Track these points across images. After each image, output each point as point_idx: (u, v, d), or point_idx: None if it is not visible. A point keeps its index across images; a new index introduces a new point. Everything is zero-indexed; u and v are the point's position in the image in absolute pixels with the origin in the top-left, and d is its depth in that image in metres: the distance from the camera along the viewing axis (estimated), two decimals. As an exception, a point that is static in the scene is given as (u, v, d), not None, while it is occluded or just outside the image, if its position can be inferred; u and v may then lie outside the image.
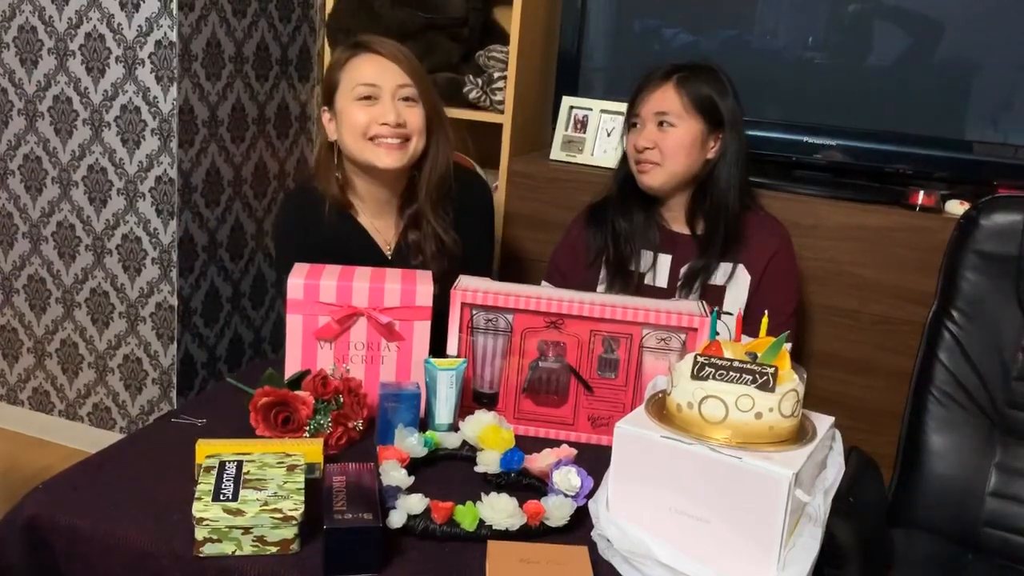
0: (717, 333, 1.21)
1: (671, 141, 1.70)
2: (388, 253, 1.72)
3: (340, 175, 1.70)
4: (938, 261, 1.59)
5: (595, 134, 2.33)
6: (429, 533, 1.11)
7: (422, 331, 1.40)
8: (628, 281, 1.76)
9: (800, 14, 2.22)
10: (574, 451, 1.26)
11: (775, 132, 2.20)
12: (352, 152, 1.64)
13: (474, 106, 2.45)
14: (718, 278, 1.73)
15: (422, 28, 2.43)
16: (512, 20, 2.34)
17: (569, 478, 1.18)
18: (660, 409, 1.14)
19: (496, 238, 2.35)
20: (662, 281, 1.77)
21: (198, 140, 2.35)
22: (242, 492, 1.07)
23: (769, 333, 1.15)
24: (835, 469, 1.18)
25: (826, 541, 1.09)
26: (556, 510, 1.14)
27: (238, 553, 1.06)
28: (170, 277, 2.38)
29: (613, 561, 1.09)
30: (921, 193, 2.04)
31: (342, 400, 1.32)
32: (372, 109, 1.61)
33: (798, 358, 1.35)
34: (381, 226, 1.73)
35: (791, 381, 1.09)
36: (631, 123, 1.77)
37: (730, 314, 1.70)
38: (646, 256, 1.77)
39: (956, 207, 2.02)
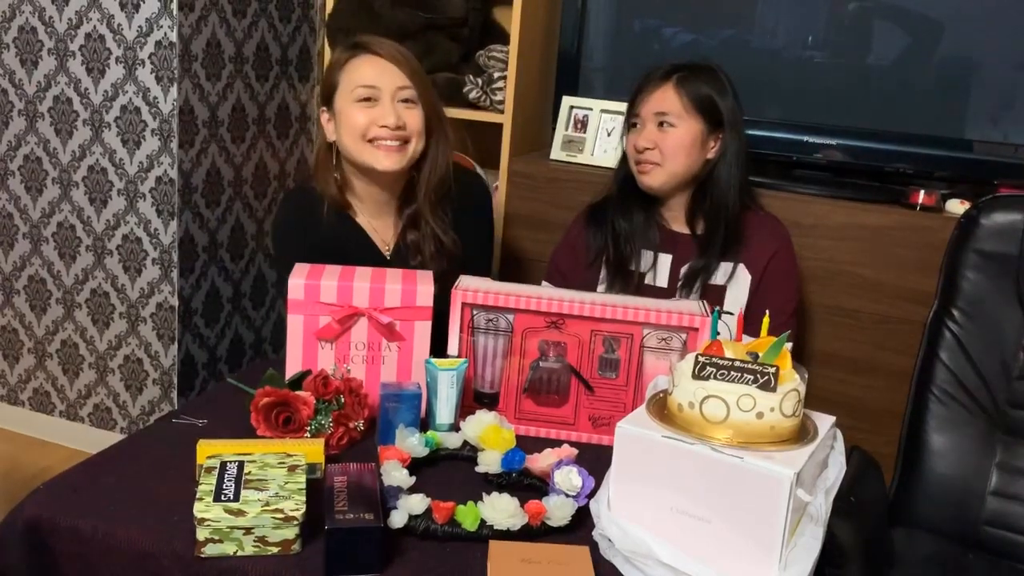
0: (718, 333, 1.21)
1: (671, 141, 1.70)
2: (387, 253, 1.72)
3: (339, 175, 1.70)
4: (938, 260, 1.59)
5: (595, 134, 2.33)
6: (430, 533, 1.11)
7: (423, 331, 1.40)
8: (628, 281, 1.76)
9: (800, 13, 2.22)
10: (575, 451, 1.26)
11: (775, 132, 2.20)
12: (351, 154, 1.64)
13: (474, 106, 2.45)
14: (718, 278, 1.73)
15: (422, 28, 2.43)
16: (512, 20, 2.34)
17: (570, 478, 1.18)
18: (661, 409, 1.14)
19: (496, 238, 2.35)
20: (662, 281, 1.77)
21: (198, 140, 2.35)
22: (243, 492, 1.07)
23: (770, 333, 1.15)
24: (836, 469, 1.18)
25: (827, 541, 1.10)
26: (557, 510, 1.14)
27: (239, 554, 1.06)
28: (171, 277, 2.38)
29: (615, 561, 1.09)
30: (921, 192, 2.04)
31: (343, 400, 1.32)
32: (371, 111, 1.61)
33: (799, 358, 1.35)
34: (380, 226, 1.73)
35: (792, 381, 1.09)
36: (631, 123, 1.77)
37: (731, 314, 1.70)
38: (646, 256, 1.77)
39: (956, 206, 2.02)
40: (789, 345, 1.14)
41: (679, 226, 1.78)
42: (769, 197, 1.95)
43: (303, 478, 1.12)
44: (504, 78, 2.39)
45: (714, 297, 1.72)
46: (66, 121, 2.39)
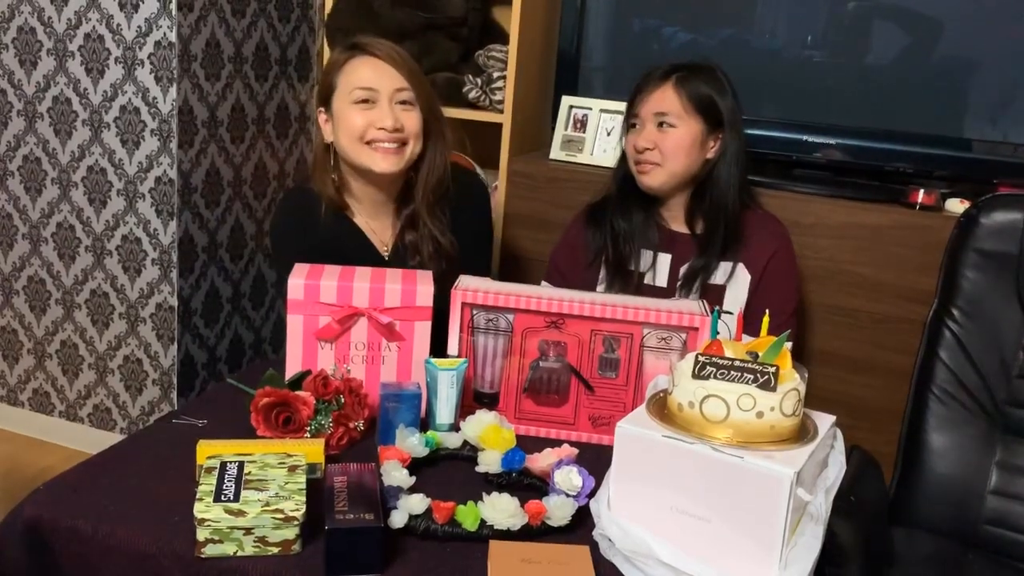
0: (718, 332, 1.21)
1: (671, 142, 1.70)
2: (385, 254, 1.72)
3: (336, 176, 1.70)
4: (938, 260, 1.59)
5: (595, 133, 2.33)
6: (431, 533, 1.11)
7: (423, 331, 1.40)
8: (628, 281, 1.76)
9: (799, 13, 2.22)
10: (575, 451, 1.26)
11: (775, 131, 2.20)
12: (349, 155, 1.64)
13: (473, 106, 2.45)
14: (718, 277, 1.73)
15: (421, 28, 2.43)
16: (511, 19, 2.34)
17: (570, 478, 1.18)
18: (661, 408, 1.14)
19: (496, 238, 2.35)
20: (662, 280, 1.77)
21: (198, 141, 2.35)
22: (243, 493, 1.07)
23: (770, 332, 1.15)
24: (836, 468, 1.18)
25: (827, 540, 1.10)
26: (557, 510, 1.14)
27: (239, 554, 1.06)
28: (170, 278, 2.38)
29: (615, 561, 1.09)
30: (921, 192, 2.04)
31: (343, 400, 1.32)
32: (369, 113, 1.61)
33: (798, 357, 1.35)
34: (378, 227, 1.73)
35: (792, 380, 1.09)
36: (630, 123, 1.77)
37: (730, 313, 1.70)
38: (646, 255, 1.77)
39: (956, 205, 2.02)
40: (789, 344, 1.14)
41: (678, 225, 1.78)
42: (768, 196, 1.95)
43: (303, 478, 1.12)
44: (503, 78, 2.39)
45: (714, 297, 1.72)
46: (65, 121, 2.39)
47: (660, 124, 1.71)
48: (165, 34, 2.22)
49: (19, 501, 1.16)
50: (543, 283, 1.86)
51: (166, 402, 2.49)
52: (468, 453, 1.32)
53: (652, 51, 2.33)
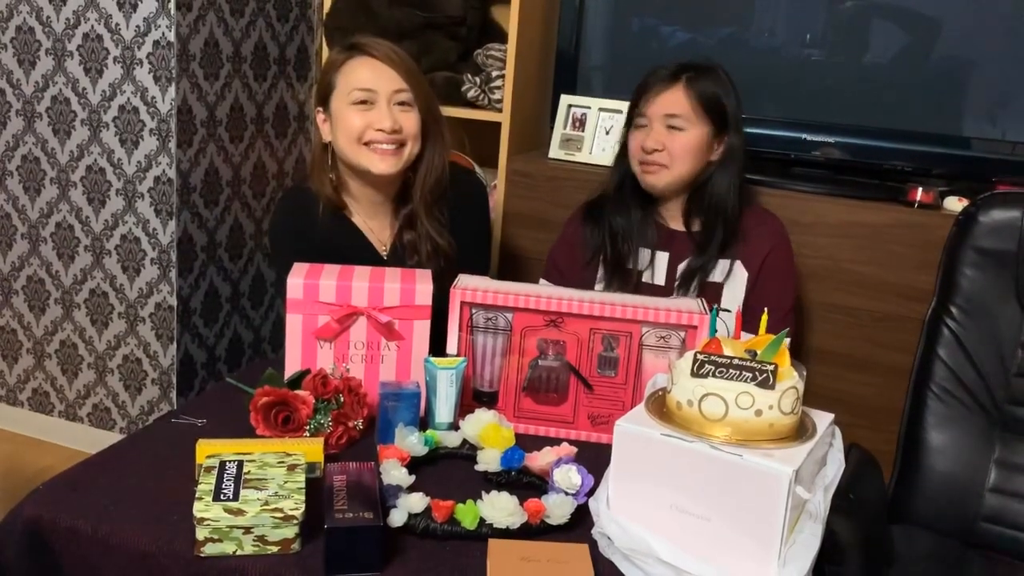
0: (716, 331, 1.21)
1: (680, 144, 1.69)
2: (384, 253, 1.72)
3: (334, 176, 1.70)
4: (937, 258, 1.59)
5: (593, 132, 2.33)
6: (430, 532, 1.11)
7: (422, 330, 1.40)
8: (626, 279, 1.76)
9: (798, 12, 2.22)
10: (574, 449, 1.26)
11: (773, 130, 2.20)
12: (347, 156, 1.64)
13: (472, 105, 2.45)
14: (716, 275, 1.73)
15: (420, 27, 2.43)
16: (510, 18, 2.34)
17: (569, 476, 1.18)
18: (660, 407, 1.14)
19: (495, 237, 2.35)
20: (660, 279, 1.77)
21: (196, 140, 2.35)
22: (243, 492, 1.07)
23: (768, 329, 1.15)
24: (835, 466, 1.18)
25: (826, 538, 1.10)
26: (557, 508, 1.14)
27: (239, 553, 1.06)
28: (169, 277, 2.38)
29: (614, 559, 1.09)
30: (919, 190, 2.04)
31: (342, 399, 1.32)
32: (368, 114, 1.61)
33: (797, 355, 1.35)
34: (376, 227, 1.73)
35: (791, 378, 1.09)
36: (636, 122, 1.75)
37: (728, 311, 1.71)
38: (644, 254, 1.77)
39: (954, 204, 2.02)
40: (787, 341, 1.14)
41: (676, 224, 1.78)
42: (767, 195, 1.95)
43: (302, 477, 1.12)
44: (502, 77, 2.39)
45: (711, 294, 1.72)
46: (64, 121, 2.39)
47: (669, 126, 1.70)
48: (164, 34, 2.22)
49: (19, 501, 1.16)
50: (542, 281, 1.86)
51: (165, 401, 2.49)
52: (467, 452, 1.32)
53: (651, 50, 2.33)
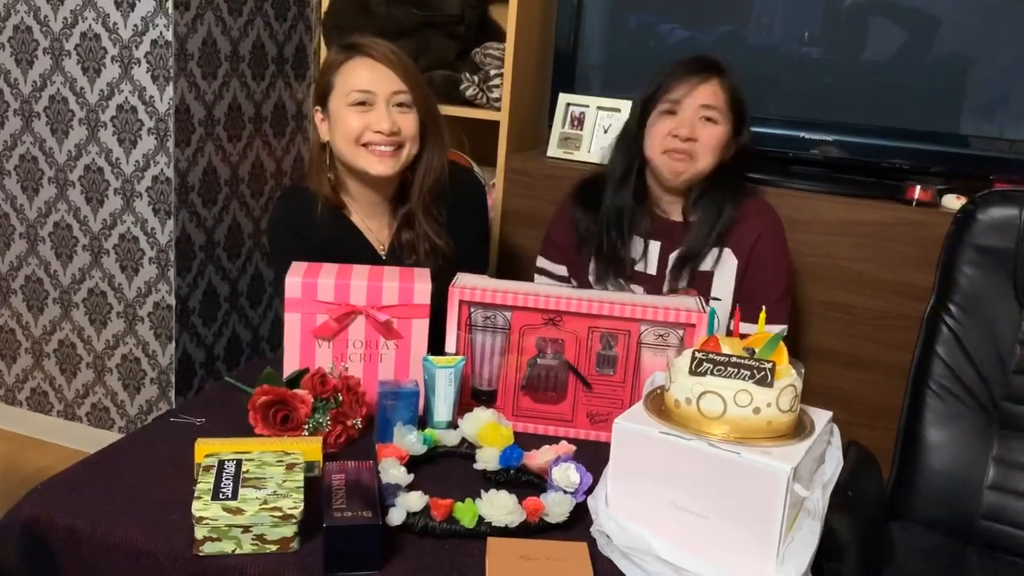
0: (716, 329, 1.21)
1: (711, 137, 1.68)
2: (382, 253, 1.72)
3: (332, 175, 1.70)
4: (935, 256, 1.59)
5: (592, 131, 2.33)
6: (429, 530, 1.11)
7: (420, 329, 1.40)
8: (620, 267, 1.74)
9: (796, 9, 2.22)
10: (573, 447, 1.26)
11: (771, 128, 2.20)
12: (345, 157, 1.64)
13: (471, 104, 2.45)
14: (706, 264, 1.72)
15: (418, 25, 2.43)
16: (508, 17, 2.34)
17: (568, 474, 1.18)
18: (658, 405, 1.14)
19: (493, 236, 2.35)
20: (651, 268, 1.76)
21: (195, 139, 2.35)
22: (241, 491, 1.07)
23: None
24: (833, 463, 1.18)
25: (825, 535, 1.10)
26: (555, 506, 1.14)
27: (238, 552, 1.06)
28: (168, 277, 2.38)
29: (612, 557, 1.09)
30: (917, 188, 2.04)
31: (341, 398, 1.32)
32: (366, 116, 1.61)
33: (795, 353, 1.35)
34: (374, 226, 1.73)
35: (789, 376, 1.09)
36: (665, 108, 1.70)
37: (719, 299, 1.70)
38: (637, 243, 1.76)
39: (952, 202, 2.02)
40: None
41: (673, 214, 1.77)
42: (765, 193, 1.95)
43: (301, 476, 1.12)
44: (500, 75, 2.39)
45: (702, 283, 1.71)
46: (62, 120, 2.39)
47: (704, 117, 1.68)
48: (161, 33, 2.22)
49: (17, 500, 1.16)
50: (540, 258, 1.85)
51: (164, 401, 2.49)
52: (466, 450, 1.32)
53: (649, 48, 2.33)
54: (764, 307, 1.25)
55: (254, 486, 1.08)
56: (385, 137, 1.60)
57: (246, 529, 1.05)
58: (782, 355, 1.11)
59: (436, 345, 1.42)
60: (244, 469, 1.12)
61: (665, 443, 1.07)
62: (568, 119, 2.36)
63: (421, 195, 1.67)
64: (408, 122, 1.62)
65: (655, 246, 1.76)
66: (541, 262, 1.88)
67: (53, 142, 2.42)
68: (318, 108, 1.69)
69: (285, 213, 1.75)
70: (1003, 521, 1.49)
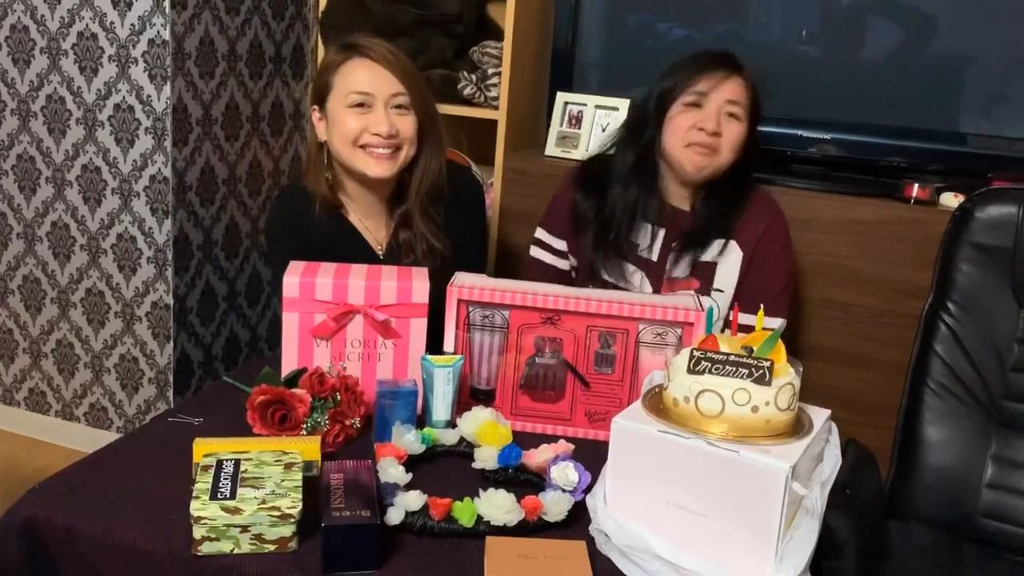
0: (716, 319, 1.21)
1: (734, 133, 1.67)
2: (380, 252, 1.72)
3: (330, 175, 1.69)
4: (933, 254, 1.59)
5: (590, 129, 2.33)
6: (427, 530, 1.11)
7: (419, 328, 1.40)
8: (619, 253, 1.73)
9: (793, 8, 2.22)
10: (571, 446, 1.26)
11: (769, 126, 2.17)
12: (342, 158, 1.64)
13: (468, 102, 2.45)
14: (709, 254, 1.72)
15: (416, 24, 2.43)
16: (506, 16, 2.34)
17: (567, 473, 1.18)
18: (657, 404, 1.14)
19: (491, 235, 2.35)
20: (654, 255, 1.75)
21: (192, 139, 2.34)
22: (240, 490, 1.07)
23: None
24: (832, 462, 1.18)
25: (823, 533, 1.10)
26: (554, 505, 1.14)
27: (236, 551, 1.06)
28: (165, 276, 2.38)
29: (611, 555, 1.09)
30: (916, 186, 2.04)
31: (339, 398, 1.32)
32: (365, 117, 1.60)
33: (793, 351, 1.35)
34: (372, 225, 1.73)
35: (787, 375, 1.09)
36: (688, 100, 1.68)
37: (721, 291, 1.70)
38: (645, 228, 1.74)
39: (951, 200, 2.02)
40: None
41: (680, 203, 1.76)
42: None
43: (299, 476, 1.12)
44: (498, 74, 2.39)
45: (705, 274, 1.71)
46: (59, 120, 2.39)
47: (728, 113, 1.67)
48: (159, 32, 2.22)
49: (15, 501, 1.16)
50: (539, 230, 1.84)
51: (162, 401, 2.49)
52: (464, 450, 1.32)
53: (647, 46, 2.33)
54: (763, 305, 1.25)
55: (252, 486, 1.08)
56: (383, 139, 1.60)
57: (244, 529, 1.05)
58: (780, 353, 1.11)
59: (434, 344, 1.42)
60: (242, 469, 1.12)
61: (663, 442, 1.07)
62: (566, 118, 2.36)
63: (418, 196, 1.67)
64: (406, 124, 1.62)
65: (660, 232, 1.75)
66: (540, 233, 1.85)
67: (50, 142, 2.41)
68: (316, 107, 1.69)
69: (283, 212, 1.74)
70: (1002, 519, 1.49)
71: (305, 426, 1.29)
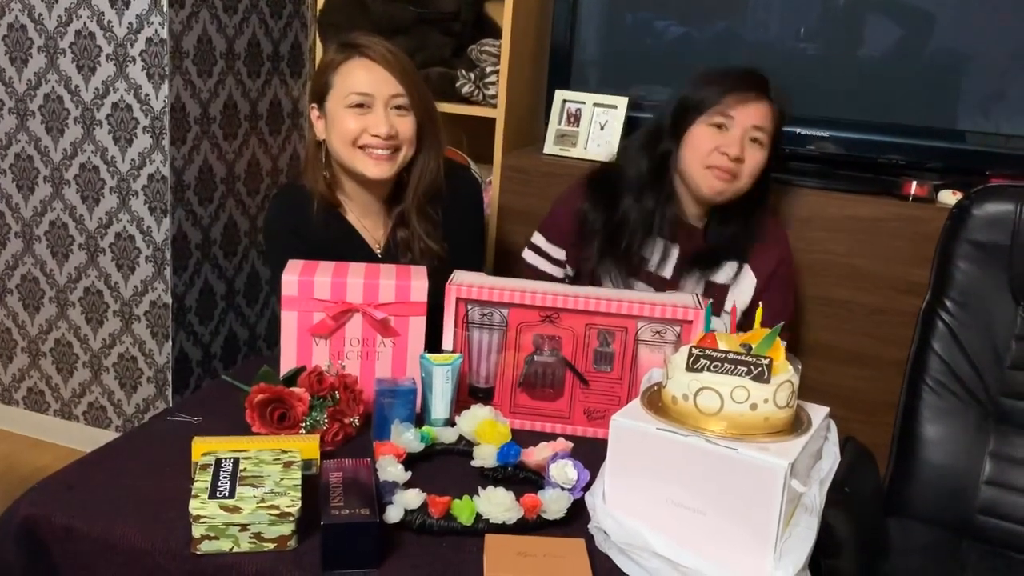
0: (713, 328, 1.21)
1: (756, 160, 1.64)
2: (378, 251, 1.72)
3: (328, 174, 1.69)
4: (931, 251, 1.60)
5: (588, 128, 2.33)
6: (426, 528, 1.11)
7: (417, 327, 1.40)
8: (627, 267, 1.70)
9: (792, 6, 2.22)
10: (570, 444, 1.26)
11: (768, 124, 2.20)
12: (341, 158, 1.64)
13: (467, 101, 2.45)
14: (722, 276, 1.72)
15: (414, 22, 2.43)
16: (504, 14, 2.34)
17: (565, 471, 1.18)
18: (656, 401, 1.14)
19: (490, 233, 2.35)
20: (668, 272, 1.74)
21: (190, 137, 2.34)
22: (239, 489, 1.07)
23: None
24: (830, 459, 1.18)
25: (822, 531, 1.10)
26: (553, 503, 1.14)
27: (235, 550, 1.06)
28: (164, 275, 2.38)
29: (610, 553, 1.09)
30: (914, 183, 2.04)
31: (338, 396, 1.32)
32: (364, 118, 1.60)
33: (792, 349, 1.35)
34: (370, 224, 1.73)
35: (786, 372, 1.09)
36: (714, 120, 1.64)
37: (728, 314, 1.70)
38: (658, 244, 1.72)
39: (949, 197, 2.02)
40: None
41: (694, 220, 1.75)
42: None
43: (298, 474, 1.12)
44: (497, 72, 2.39)
45: (717, 296, 1.71)
46: (57, 119, 2.38)
47: (752, 138, 1.63)
48: (156, 31, 2.22)
49: (14, 500, 1.16)
50: (536, 235, 1.81)
51: (161, 399, 2.49)
52: (463, 448, 1.32)
53: (645, 45, 2.33)
54: (767, 315, 1.24)
55: (251, 484, 1.08)
56: (382, 140, 1.60)
57: (243, 527, 1.05)
58: (779, 351, 1.11)
59: (433, 342, 1.42)
60: (241, 467, 1.12)
61: (662, 439, 1.07)
62: (564, 116, 2.36)
63: (416, 197, 1.67)
64: (405, 125, 1.62)
65: (674, 249, 1.73)
66: (538, 239, 1.81)
67: (48, 141, 2.41)
68: (314, 106, 1.68)
69: (281, 211, 1.74)
70: (1000, 516, 1.50)
71: (304, 425, 1.29)
